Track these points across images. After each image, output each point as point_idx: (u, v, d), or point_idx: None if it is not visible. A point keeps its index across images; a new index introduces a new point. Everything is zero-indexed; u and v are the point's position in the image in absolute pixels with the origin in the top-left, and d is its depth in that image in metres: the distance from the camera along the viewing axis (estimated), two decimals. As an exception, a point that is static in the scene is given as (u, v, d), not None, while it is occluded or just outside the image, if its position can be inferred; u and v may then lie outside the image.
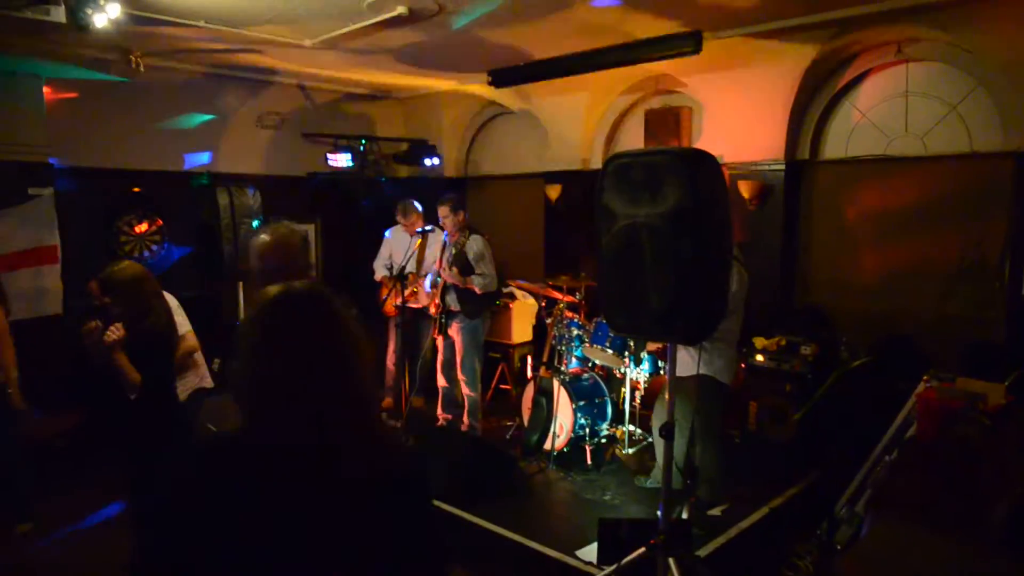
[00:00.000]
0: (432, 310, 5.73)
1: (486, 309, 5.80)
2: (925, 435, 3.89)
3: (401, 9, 4.45)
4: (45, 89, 5.69)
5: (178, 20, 4.66)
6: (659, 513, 3.10)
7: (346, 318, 1.42)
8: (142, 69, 5.28)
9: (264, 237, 2.38)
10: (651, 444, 5.45)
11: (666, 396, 3.11)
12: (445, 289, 5.59)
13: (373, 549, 1.35)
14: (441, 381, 5.89)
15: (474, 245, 5.48)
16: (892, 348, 5.16)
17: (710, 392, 4.24)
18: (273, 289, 1.42)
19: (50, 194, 5.70)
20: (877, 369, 5.05)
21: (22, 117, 5.60)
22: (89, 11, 3.80)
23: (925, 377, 4.11)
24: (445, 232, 5.70)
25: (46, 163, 5.73)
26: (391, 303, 6.04)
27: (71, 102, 5.95)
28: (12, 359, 4.36)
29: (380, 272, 6.50)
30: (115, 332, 3.17)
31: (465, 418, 5.83)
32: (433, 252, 5.98)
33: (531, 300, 6.89)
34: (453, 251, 5.53)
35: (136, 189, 6.51)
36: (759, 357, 5.27)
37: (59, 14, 3.71)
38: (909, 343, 5.14)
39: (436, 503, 4.53)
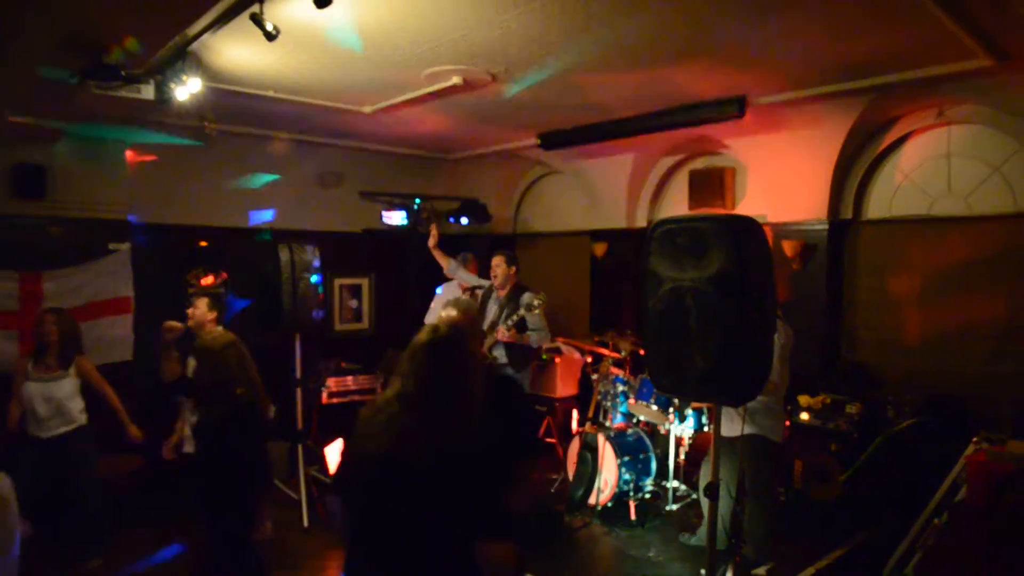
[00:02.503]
0: None
1: (531, 361, 5.91)
2: (975, 499, 3.84)
3: (457, 79, 4.74)
4: (127, 153, 6.17)
5: (250, 91, 5.04)
6: (703, 572, 3.14)
7: (471, 348, 2.33)
8: (214, 133, 5.66)
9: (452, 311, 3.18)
10: (696, 501, 5.45)
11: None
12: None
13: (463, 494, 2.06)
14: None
15: (532, 301, 5.61)
16: (940, 408, 5.10)
17: (760, 452, 4.26)
18: (423, 334, 2.22)
19: (127, 248, 6.14)
20: (925, 430, 5.00)
21: (106, 178, 6.11)
22: (173, 86, 4.17)
23: (975, 439, 4.08)
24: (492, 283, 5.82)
25: (125, 220, 6.19)
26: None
27: (149, 164, 6.39)
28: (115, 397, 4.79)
29: None
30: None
31: None
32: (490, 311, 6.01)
33: (576, 355, 7.00)
34: (512, 311, 5.60)
35: (203, 244, 6.90)
36: (804, 415, 5.27)
37: (149, 92, 4.08)
38: (958, 403, 5.09)
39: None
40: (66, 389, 4.60)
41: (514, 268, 5.70)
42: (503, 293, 5.73)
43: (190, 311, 4.76)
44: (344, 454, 2.34)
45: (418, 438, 2.06)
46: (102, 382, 4.78)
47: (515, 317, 5.44)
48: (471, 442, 2.12)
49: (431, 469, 2.04)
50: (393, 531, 2.08)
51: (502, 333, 5.46)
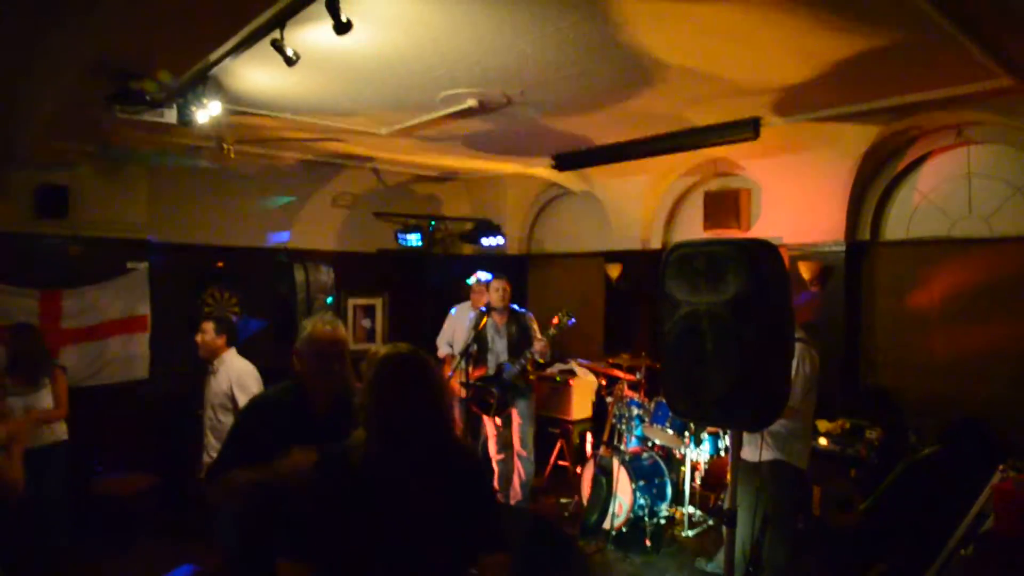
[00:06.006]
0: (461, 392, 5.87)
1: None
2: (1003, 530, 3.75)
3: (472, 102, 4.76)
4: (147, 174, 6.24)
5: (268, 113, 5.09)
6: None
7: (433, 368, 2.11)
8: (232, 156, 5.73)
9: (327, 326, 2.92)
10: (712, 527, 5.38)
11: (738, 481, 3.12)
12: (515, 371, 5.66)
13: (457, 515, 2.02)
14: (499, 456, 5.87)
15: (531, 322, 5.66)
16: (964, 434, 5.00)
17: (784, 478, 4.18)
18: (383, 349, 2.09)
19: (145, 268, 6.22)
20: (948, 456, 4.90)
21: (127, 200, 6.20)
22: (194, 109, 4.22)
23: (1001, 467, 3.98)
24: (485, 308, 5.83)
25: (144, 240, 6.27)
26: (455, 381, 5.94)
27: (168, 185, 6.48)
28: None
29: (443, 350, 6.59)
30: None
31: (517, 487, 5.79)
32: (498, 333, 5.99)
33: (591, 377, 6.95)
34: (520, 332, 5.63)
35: (220, 264, 6.95)
36: (822, 440, 5.19)
37: (171, 116, 4.14)
38: (982, 429, 4.98)
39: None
40: (44, 402, 4.62)
41: (511, 293, 5.80)
42: (503, 319, 5.74)
43: (198, 337, 4.58)
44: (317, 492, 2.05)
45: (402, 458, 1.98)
46: (62, 404, 4.76)
47: (549, 334, 5.51)
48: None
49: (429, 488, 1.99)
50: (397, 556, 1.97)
51: (541, 345, 5.49)
